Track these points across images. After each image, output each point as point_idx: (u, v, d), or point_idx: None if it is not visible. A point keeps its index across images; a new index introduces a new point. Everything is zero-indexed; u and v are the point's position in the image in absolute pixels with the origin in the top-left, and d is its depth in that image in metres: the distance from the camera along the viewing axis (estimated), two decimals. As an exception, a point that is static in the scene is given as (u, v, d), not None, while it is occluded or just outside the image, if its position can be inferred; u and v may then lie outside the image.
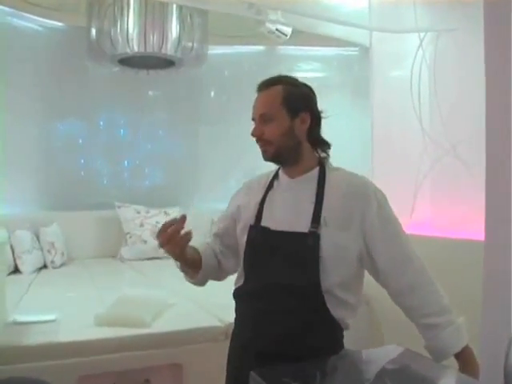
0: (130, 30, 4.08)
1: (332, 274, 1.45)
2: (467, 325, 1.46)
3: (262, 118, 1.54)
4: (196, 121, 5.47)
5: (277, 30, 3.95)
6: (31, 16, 4.67)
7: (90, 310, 2.55)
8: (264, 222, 1.57)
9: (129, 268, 4.38)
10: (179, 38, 4.22)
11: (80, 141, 5.22)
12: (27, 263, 4.03)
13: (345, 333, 1.54)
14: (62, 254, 4.39)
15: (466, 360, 1.43)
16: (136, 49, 4.12)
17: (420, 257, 1.53)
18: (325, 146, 1.62)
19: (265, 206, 1.59)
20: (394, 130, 3.28)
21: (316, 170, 1.57)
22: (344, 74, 5.16)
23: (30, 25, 4.74)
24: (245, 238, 1.59)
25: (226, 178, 5.13)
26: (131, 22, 4.09)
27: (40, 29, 4.81)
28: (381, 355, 1.36)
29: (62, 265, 4.35)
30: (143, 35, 4.07)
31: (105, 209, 4.89)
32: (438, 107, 3.15)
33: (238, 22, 4.50)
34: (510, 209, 1.00)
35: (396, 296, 1.52)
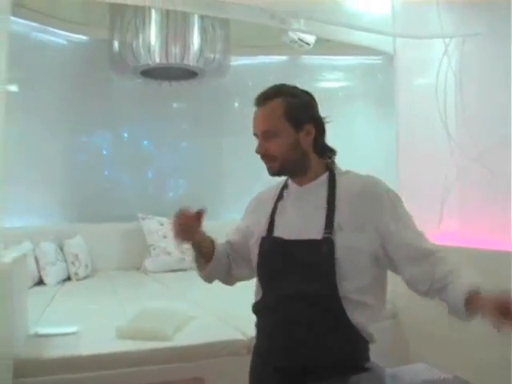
0: (152, 42, 4.11)
1: (348, 278, 1.41)
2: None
3: (265, 135, 1.53)
4: (220, 132, 5.44)
5: (299, 39, 3.94)
6: (56, 30, 4.74)
7: (111, 322, 2.53)
8: (276, 233, 1.54)
9: (152, 280, 4.37)
10: (201, 49, 4.22)
11: (104, 152, 5.28)
12: (51, 275, 4.05)
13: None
14: (86, 266, 4.40)
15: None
16: (158, 60, 4.14)
17: (440, 248, 1.46)
18: (331, 153, 1.59)
19: (276, 216, 1.57)
20: (419, 138, 3.21)
21: (325, 176, 1.55)
22: (367, 83, 5.13)
23: (55, 39, 4.81)
24: (257, 250, 1.56)
25: (251, 189, 5.01)
26: (153, 34, 4.11)
27: (65, 43, 4.87)
28: (411, 374, 1.30)
29: (86, 277, 4.36)
30: (165, 46, 4.09)
31: (128, 221, 4.88)
32: (464, 114, 3.08)
33: (260, 33, 4.52)
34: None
35: (427, 293, 1.43)
